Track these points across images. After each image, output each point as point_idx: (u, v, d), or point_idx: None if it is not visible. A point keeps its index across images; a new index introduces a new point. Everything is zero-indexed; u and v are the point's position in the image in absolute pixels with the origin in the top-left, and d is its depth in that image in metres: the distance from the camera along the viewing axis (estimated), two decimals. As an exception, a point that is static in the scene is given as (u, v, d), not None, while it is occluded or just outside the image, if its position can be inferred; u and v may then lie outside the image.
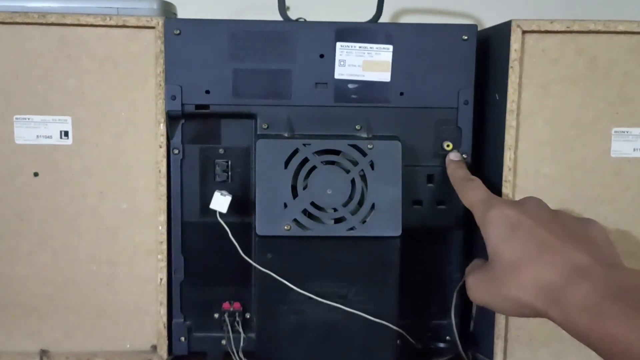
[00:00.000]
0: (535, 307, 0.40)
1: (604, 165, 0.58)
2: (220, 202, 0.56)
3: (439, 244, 0.62)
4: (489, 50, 0.61)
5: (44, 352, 0.60)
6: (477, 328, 0.64)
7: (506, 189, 0.57)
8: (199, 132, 0.59)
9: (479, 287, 0.45)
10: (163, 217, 0.59)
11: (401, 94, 0.59)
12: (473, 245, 0.62)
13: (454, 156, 0.59)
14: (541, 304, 0.39)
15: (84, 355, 0.61)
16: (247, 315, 0.62)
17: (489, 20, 0.64)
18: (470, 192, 0.51)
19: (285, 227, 0.55)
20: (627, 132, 0.57)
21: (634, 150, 0.58)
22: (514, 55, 0.55)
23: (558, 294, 0.38)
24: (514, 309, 0.42)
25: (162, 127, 0.58)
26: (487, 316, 0.61)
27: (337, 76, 0.58)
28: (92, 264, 0.60)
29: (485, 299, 0.44)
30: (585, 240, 0.41)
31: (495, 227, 0.44)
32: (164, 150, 0.59)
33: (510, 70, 0.56)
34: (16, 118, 0.58)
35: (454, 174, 0.57)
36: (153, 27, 0.57)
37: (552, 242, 0.41)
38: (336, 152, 0.56)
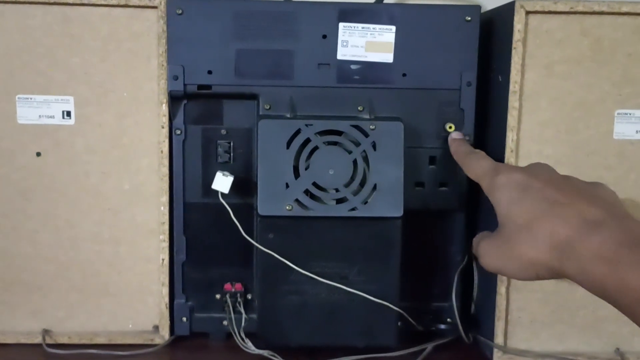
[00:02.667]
0: (550, 265, 0.39)
1: (606, 147, 0.57)
2: (222, 182, 0.56)
3: (441, 226, 0.62)
4: (492, 32, 0.61)
5: (46, 332, 0.61)
6: (478, 310, 0.64)
7: (508, 171, 0.57)
8: (201, 113, 0.59)
9: (491, 252, 0.45)
10: (165, 198, 0.60)
11: (404, 75, 0.58)
12: (475, 227, 0.62)
13: (455, 135, 0.59)
14: (555, 259, 0.39)
15: (86, 334, 0.61)
16: (249, 296, 0.62)
17: (491, 5, 0.63)
18: (476, 164, 0.51)
19: (287, 207, 0.55)
20: (630, 114, 0.57)
21: (637, 132, 0.57)
22: (517, 35, 0.55)
23: (573, 247, 0.38)
24: (527, 270, 0.41)
25: (165, 108, 0.58)
26: (488, 298, 0.61)
27: (339, 57, 0.58)
28: (94, 243, 0.60)
29: (498, 263, 0.44)
30: (596, 197, 0.41)
31: (505, 191, 0.44)
32: (166, 130, 0.59)
33: (513, 51, 0.55)
34: (18, 98, 0.58)
35: (457, 150, 0.56)
36: (155, 7, 0.57)
37: (564, 199, 0.41)
38: (338, 133, 0.56)
